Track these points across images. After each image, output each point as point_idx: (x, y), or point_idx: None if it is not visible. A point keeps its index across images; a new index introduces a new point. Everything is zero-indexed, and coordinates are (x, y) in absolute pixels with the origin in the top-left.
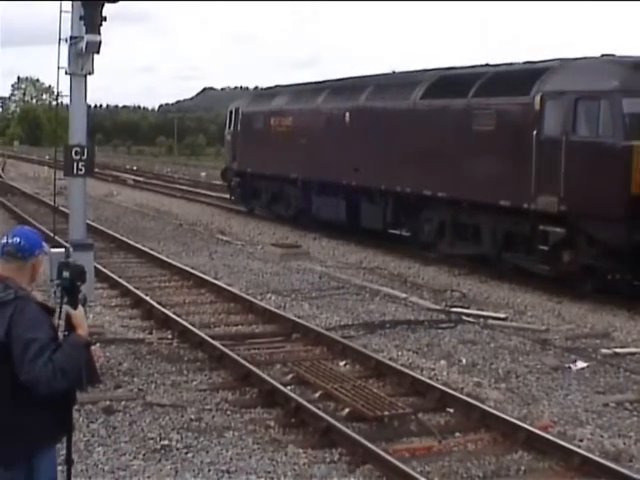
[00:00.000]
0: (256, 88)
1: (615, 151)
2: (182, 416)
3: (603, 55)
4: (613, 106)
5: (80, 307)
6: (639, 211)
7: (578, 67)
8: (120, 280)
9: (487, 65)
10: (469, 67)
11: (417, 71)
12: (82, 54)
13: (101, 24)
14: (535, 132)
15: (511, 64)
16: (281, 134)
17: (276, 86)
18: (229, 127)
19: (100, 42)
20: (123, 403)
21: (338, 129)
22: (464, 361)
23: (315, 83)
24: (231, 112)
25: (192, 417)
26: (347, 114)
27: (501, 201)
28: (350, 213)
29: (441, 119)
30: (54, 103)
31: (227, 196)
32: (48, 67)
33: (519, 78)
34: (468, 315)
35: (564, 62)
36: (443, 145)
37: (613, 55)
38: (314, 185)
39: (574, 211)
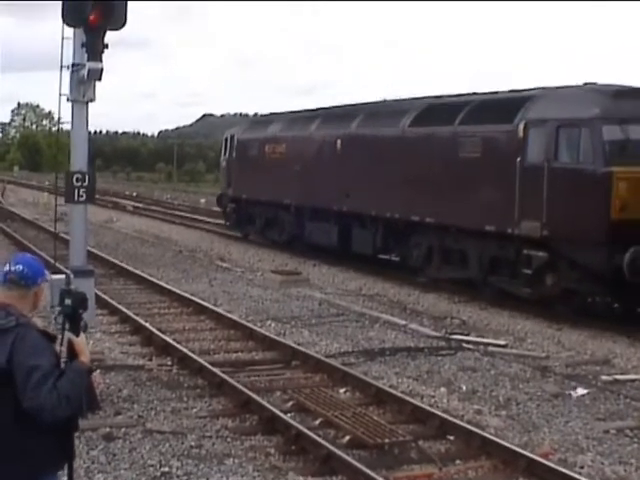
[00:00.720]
0: (255, 115)
1: (595, 177)
2: (182, 443)
3: (585, 84)
4: (593, 133)
5: (82, 334)
6: (619, 236)
7: (560, 95)
8: (120, 306)
9: (474, 94)
10: (456, 96)
11: (406, 99)
12: (84, 81)
13: (103, 51)
14: (519, 159)
15: (496, 93)
16: (275, 161)
17: (271, 114)
18: (225, 154)
19: (102, 69)
20: (123, 430)
21: (330, 156)
22: (464, 388)
23: (308, 111)
24: (227, 139)
25: (192, 444)
26: (338, 141)
27: (486, 226)
28: (341, 238)
29: (429, 146)
30: (54, 129)
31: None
32: (48, 93)
33: (503, 106)
34: (468, 342)
35: (547, 91)
36: (430, 172)
37: (595, 83)
38: (307, 211)
39: (556, 236)
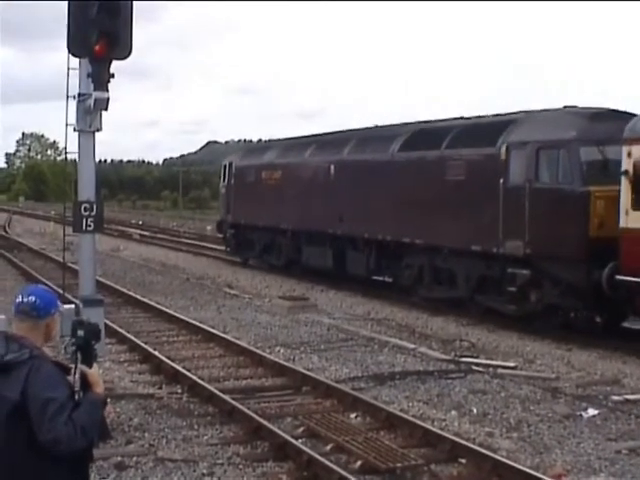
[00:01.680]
0: (259, 141)
1: (574, 197)
2: (194, 471)
3: (565, 107)
4: (571, 154)
5: (95, 365)
6: (597, 252)
7: (540, 118)
8: (128, 335)
9: (461, 118)
10: (443, 120)
11: (396, 125)
12: (90, 111)
13: (109, 81)
14: (502, 180)
15: (481, 117)
16: (272, 187)
17: (267, 141)
18: (224, 180)
19: (108, 99)
20: (135, 459)
21: (324, 181)
22: (475, 411)
23: (303, 137)
24: (225, 166)
25: (204, 472)
26: (332, 166)
27: (473, 246)
28: (336, 261)
29: (417, 170)
30: (59, 159)
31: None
32: (52, 123)
33: (487, 130)
34: (478, 365)
35: (528, 114)
36: (419, 194)
37: (575, 106)
38: (303, 235)
39: (538, 254)
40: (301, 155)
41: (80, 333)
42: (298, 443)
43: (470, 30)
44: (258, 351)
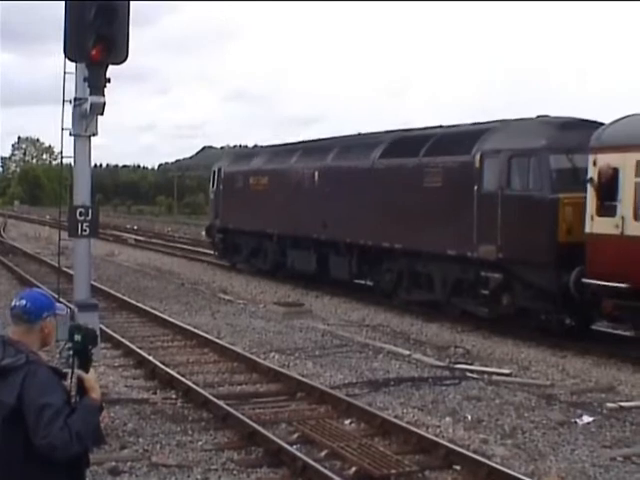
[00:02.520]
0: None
1: (543, 203)
2: (188, 476)
3: (538, 116)
4: (541, 162)
5: (92, 370)
6: (566, 257)
7: (514, 127)
8: (123, 340)
9: (440, 127)
10: (422, 129)
11: (377, 133)
12: (86, 115)
13: (105, 85)
14: (476, 187)
15: (458, 125)
16: (259, 192)
17: (254, 147)
18: (213, 186)
19: (104, 103)
20: (129, 464)
21: (308, 187)
22: (469, 418)
23: (289, 144)
24: (214, 172)
25: (198, 477)
26: (316, 173)
27: (448, 251)
28: (320, 265)
29: (396, 177)
30: (54, 163)
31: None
32: (48, 127)
33: (462, 139)
34: (472, 371)
35: (503, 123)
36: (398, 201)
37: (547, 116)
38: (288, 240)
39: (510, 258)
40: (287, 162)
41: (77, 338)
42: (293, 449)
43: (473, 34)
44: (253, 357)
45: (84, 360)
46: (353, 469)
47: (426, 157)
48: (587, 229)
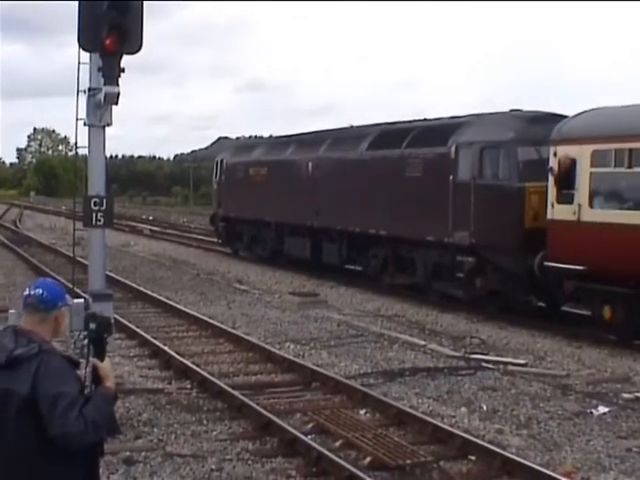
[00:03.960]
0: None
1: (511, 192)
2: (203, 466)
3: (511, 110)
4: (509, 154)
5: (107, 359)
6: (531, 242)
7: (487, 121)
8: (138, 330)
9: (424, 120)
10: (406, 122)
11: (366, 125)
12: (100, 105)
13: (119, 75)
14: (451, 177)
15: (439, 119)
16: (258, 182)
17: (255, 138)
18: (216, 176)
19: (119, 93)
20: (143, 454)
21: (303, 177)
22: (485, 408)
23: (286, 137)
24: (217, 163)
25: (213, 467)
26: (310, 164)
27: (428, 237)
28: (314, 251)
29: (382, 167)
30: (70, 154)
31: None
32: (63, 118)
33: (441, 131)
34: (488, 361)
35: (478, 117)
36: (383, 190)
37: (520, 110)
38: (285, 227)
39: (482, 243)
40: (283, 153)
41: (92, 326)
42: (307, 439)
43: (484, 24)
44: (268, 347)
45: (99, 349)
46: (368, 459)
47: (408, 149)
48: (548, 216)
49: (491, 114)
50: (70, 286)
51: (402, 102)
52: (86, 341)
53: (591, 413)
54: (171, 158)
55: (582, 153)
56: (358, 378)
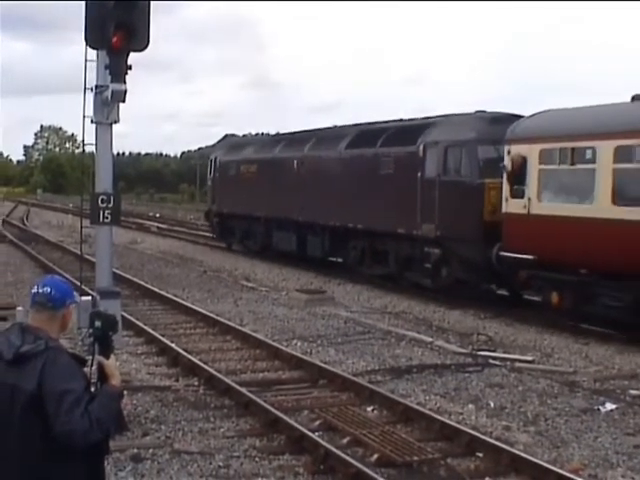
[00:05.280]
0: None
1: (472, 187)
2: (210, 463)
3: (476, 111)
4: (471, 152)
5: (112, 357)
6: (490, 234)
7: (452, 122)
8: (146, 327)
9: (400, 120)
10: (382, 122)
11: (346, 126)
12: (107, 103)
13: (127, 73)
14: (419, 174)
15: (412, 119)
16: (249, 179)
17: (244, 137)
18: (210, 174)
19: (126, 91)
20: (151, 451)
21: (289, 175)
22: (492, 405)
23: (274, 136)
24: (211, 161)
25: (220, 464)
26: (295, 162)
27: (399, 230)
28: (299, 245)
29: (358, 165)
30: (77, 151)
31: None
32: (71, 115)
33: (411, 131)
34: (495, 358)
35: (445, 118)
36: (360, 186)
37: (484, 111)
38: (274, 222)
39: (446, 235)
40: (272, 151)
41: (97, 324)
42: (315, 436)
43: (490, 19)
44: (275, 344)
45: (104, 346)
46: (375, 456)
47: (382, 148)
48: (503, 209)
49: (456, 115)
50: (77, 283)
51: (408, 98)
52: (92, 339)
53: (598, 410)
54: (178, 155)
55: (532, 152)
56: (365, 375)
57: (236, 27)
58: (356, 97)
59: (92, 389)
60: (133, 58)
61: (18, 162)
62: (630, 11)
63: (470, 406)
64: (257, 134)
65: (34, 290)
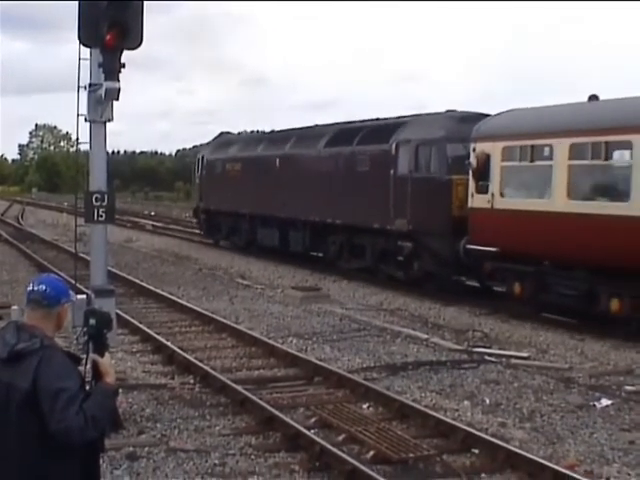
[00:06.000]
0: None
1: (441, 184)
2: (206, 461)
3: (447, 111)
4: (440, 150)
5: (107, 354)
6: (458, 228)
7: (423, 121)
8: (141, 326)
9: (377, 119)
10: (359, 121)
11: (326, 125)
12: (101, 101)
13: (120, 71)
14: (392, 171)
15: (386, 119)
16: (234, 177)
17: (230, 135)
18: (197, 172)
19: (119, 89)
20: (146, 449)
21: (272, 172)
22: (488, 401)
23: (257, 134)
24: (198, 159)
25: (216, 462)
26: (277, 160)
27: (374, 224)
28: (282, 240)
29: (336, 163)
30: (72, 150)
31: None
32: (65, 114)
33: (385, 130)
34: (490, 355)
35: (417, 117)
36: (338, 183)
37: (454, 111)
38: (258, 219)
39: (418, 230)
40: (255, 150)
41: (92, 322)
42: (310, 433)
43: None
44: (270, 341)
45: (99, 344)
46: (371, 453)
47: (358, 146)
48: (469, 204)
49: (428, 114)
50: (72, 282)
51: (406, 95)
52: (86, 337)
53: (594, 406)
54: (173, 153)
55: (495, 149)
56: (361, 372)
57: (230, 25)
58: (353, 95)
59: (87, 387)
60: (127, 56)
61: (13, 161)
62: (630, 11)
63: (466, 402)
64: (252, 132)
65: (29, 288)
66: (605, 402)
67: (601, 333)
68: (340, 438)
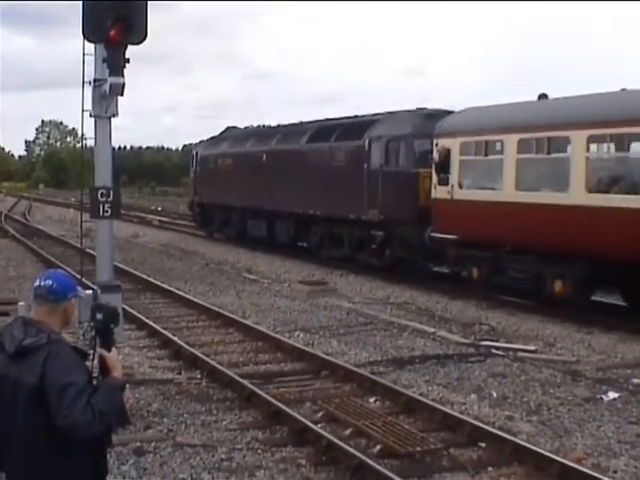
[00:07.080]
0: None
1: (409, 176)
2: (213, 456)
3: (417, 108)
4: (408, 145)
5: (114, 349)
6: (424, 217)
7: (394, 118)
8: (148, 321)
9: (355, 117)
10: (338, 119)
11: (309, 122)
12: (106, 96)
13: (124, 66)
14: (365, 165)
15: (362, 116)
16: (225, 172)
17: (222, 133)
18: (192, 167)
19: (124, 84)
20: (153, 444)
21: (259, 167)
22: (495, 395)
23: (246, 130)
24: (193, 155)
25: (223, 457)
26: (264, 155)
27: (350, 215)
28: (269, 231)
29: (317, 158)
30: (78, 145)
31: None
32: (71, 110)
33: (359, 127)
34: (497, 348)
35: (387, 115)
36: (318, 176)
37: (425, 108)
38: (247, 211)
39: (388, 219)
40: (244, 146)
41: (99, 317)
42: (317, 428)
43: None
44: (277, 336)
45: (106, 339)
46: (378, 447)
47: (335, 142)
48: (432, 195)
49: (398, 112)
50: (79, 277)
51: (410, 89)
52: (93, 332)
53: (601, 399)
54: (179, 148)
55: (454, 144)
56: (368, 366)
57: (236, 19)
58: (359, 88)
59: (94, 382)
60: (132, 51)
61: (20, 157)
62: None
63: (473, 396)
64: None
65: (36, 283)
66: (612, 395)
67: (608, 326)
68: (347, 432)
